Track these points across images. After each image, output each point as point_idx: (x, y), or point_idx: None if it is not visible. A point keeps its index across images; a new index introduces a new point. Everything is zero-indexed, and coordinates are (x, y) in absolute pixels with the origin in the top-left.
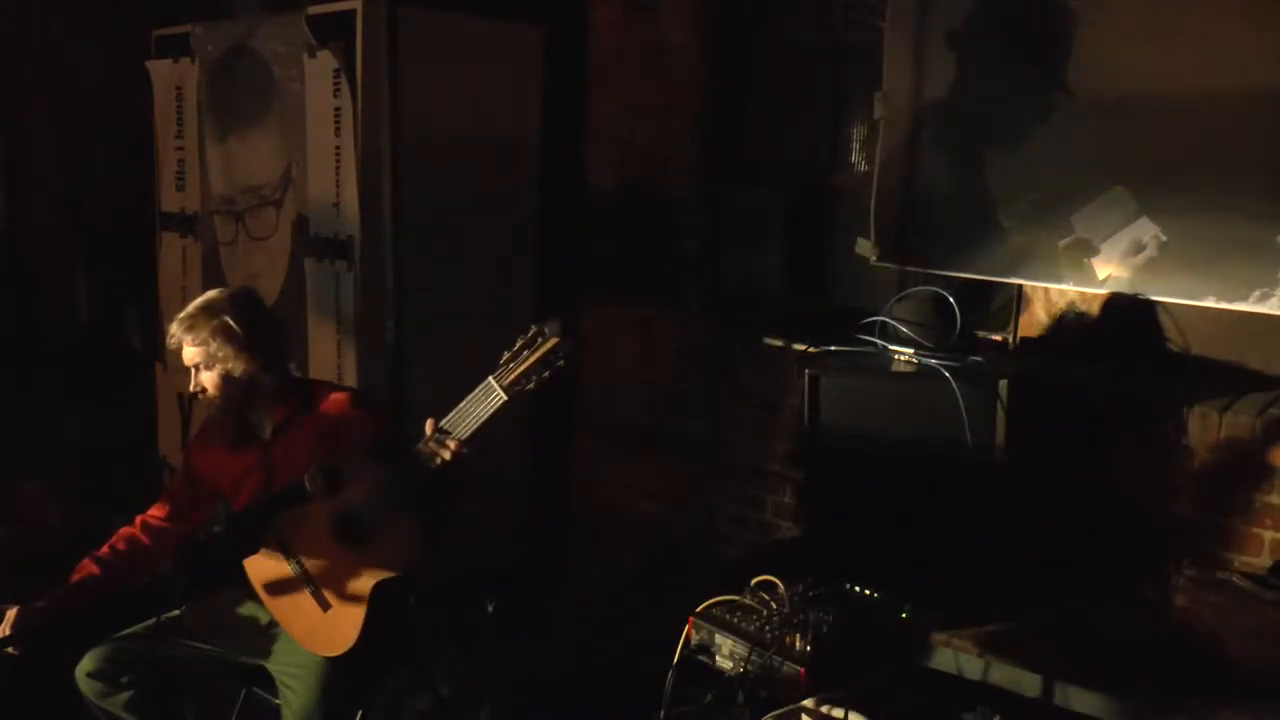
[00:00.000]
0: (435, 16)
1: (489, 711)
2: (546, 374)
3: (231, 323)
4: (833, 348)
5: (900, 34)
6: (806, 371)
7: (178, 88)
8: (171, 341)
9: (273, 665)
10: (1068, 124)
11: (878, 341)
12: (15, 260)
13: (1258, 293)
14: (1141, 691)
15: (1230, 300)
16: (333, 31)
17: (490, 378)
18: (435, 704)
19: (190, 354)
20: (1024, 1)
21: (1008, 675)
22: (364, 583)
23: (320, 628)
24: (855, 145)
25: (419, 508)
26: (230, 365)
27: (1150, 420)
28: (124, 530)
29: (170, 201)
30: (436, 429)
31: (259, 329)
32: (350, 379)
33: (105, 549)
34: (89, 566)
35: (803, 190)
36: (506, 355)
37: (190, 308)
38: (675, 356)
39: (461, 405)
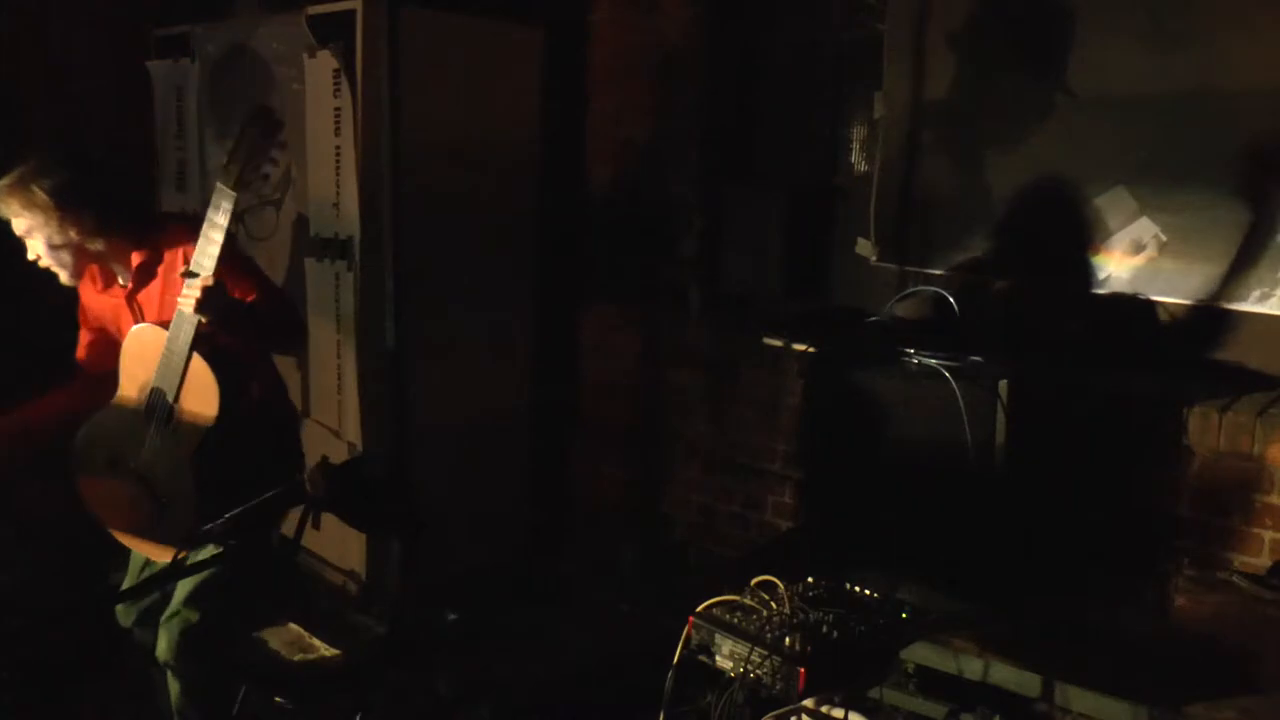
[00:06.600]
0: (435, 16)
1: (488, 712)
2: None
3: (40, 193)
4: (833, 347)
5: (900, 34)
6: (807, 370)
7: (178, 88)
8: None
9: None
10: (1068, 124)
11: (877, 341)
12: (14, 259)
13: (1258, 293)
14: (1141, 691)
15: (1230, 300)
16: (333, 31)
17: (219, 184)
18: (435, 704)
19: (17, 225)
20: (1024, 1)
21: (1008, 675)
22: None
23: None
24: (855, 145)
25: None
26: (51, 234)
27: (1150, 420)
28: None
29: (170, 201)
30: (184, 273)
31: (77, 193)
32: (350, 379)
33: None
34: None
35: (803, 190)
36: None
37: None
38: (675, 356)
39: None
